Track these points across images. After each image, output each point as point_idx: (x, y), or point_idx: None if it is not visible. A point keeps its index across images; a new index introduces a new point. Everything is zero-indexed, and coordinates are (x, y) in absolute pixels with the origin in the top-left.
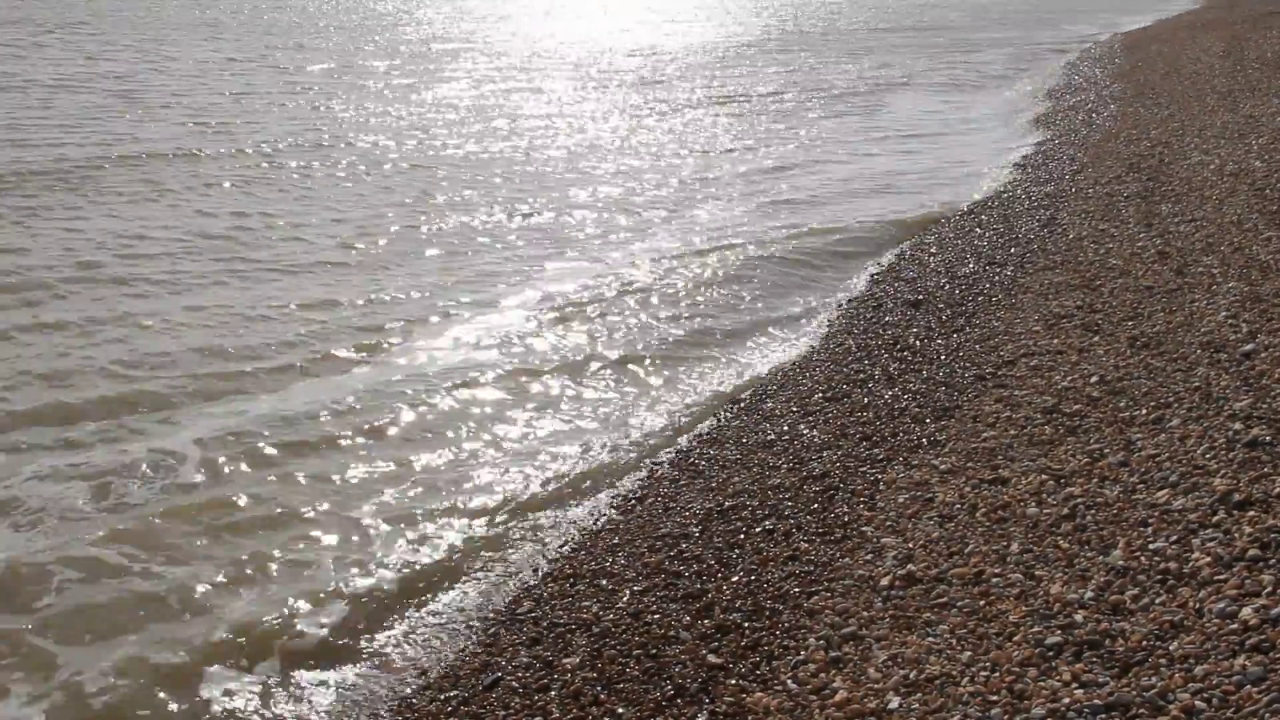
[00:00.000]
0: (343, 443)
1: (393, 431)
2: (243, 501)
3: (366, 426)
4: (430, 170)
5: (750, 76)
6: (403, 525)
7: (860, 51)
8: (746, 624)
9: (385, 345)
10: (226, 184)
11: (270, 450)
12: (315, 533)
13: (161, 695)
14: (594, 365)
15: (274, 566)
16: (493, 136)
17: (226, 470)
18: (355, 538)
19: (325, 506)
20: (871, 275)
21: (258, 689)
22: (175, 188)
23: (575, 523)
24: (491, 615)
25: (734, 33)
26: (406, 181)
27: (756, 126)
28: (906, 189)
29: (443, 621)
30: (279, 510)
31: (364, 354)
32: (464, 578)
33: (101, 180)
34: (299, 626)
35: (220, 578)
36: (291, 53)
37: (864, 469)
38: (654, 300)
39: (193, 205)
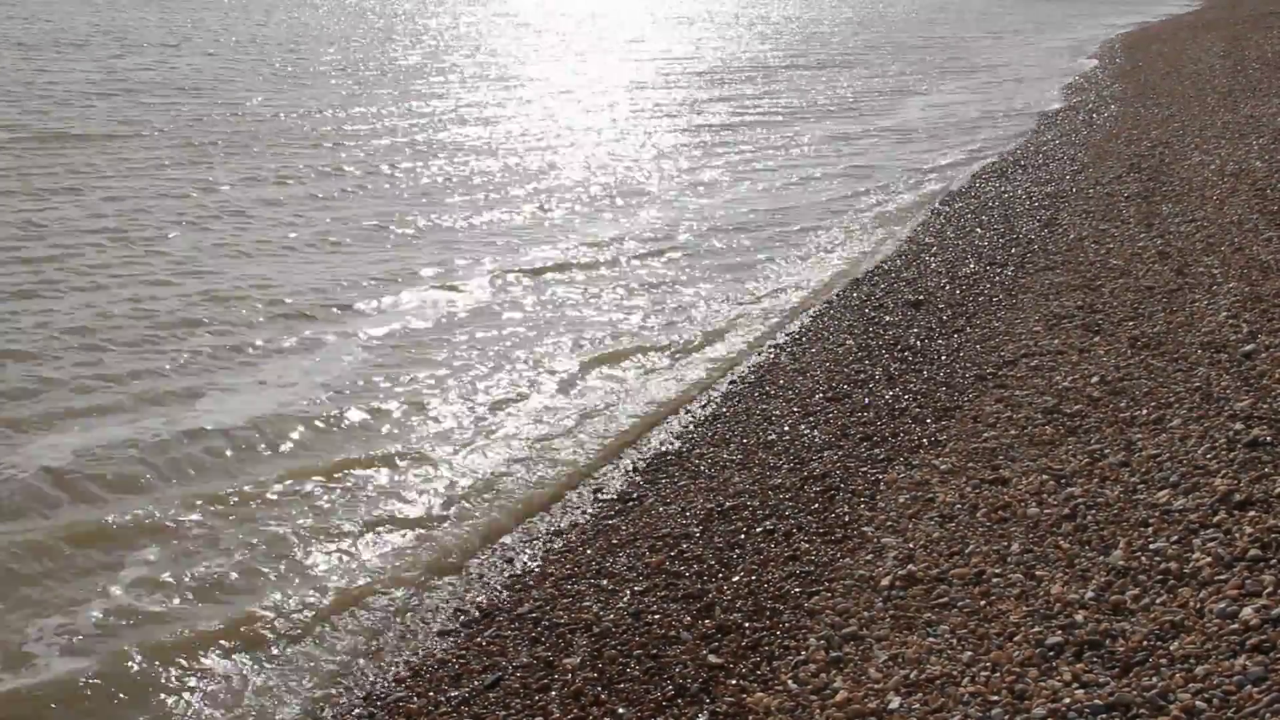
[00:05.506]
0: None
1: (385, 428)
2: (247, 492)
3: (363, 416)
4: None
5: None
6: (402, 526)
7: None
8: (747, 624)
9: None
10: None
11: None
12: (315, 533)
13: (149, 673)
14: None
15: (269, 566)
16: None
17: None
18: (352, 537)
19: (323, 502)
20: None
21: (253, 681)
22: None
23: (577, 523)
24: (492, 615)
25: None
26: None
27: None
28: None
29: (444, 622)
30: (275, 507)
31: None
32: (465, 579)
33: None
34: (296, 628)
35: (212, 567)
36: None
37: (865, 469)
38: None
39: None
